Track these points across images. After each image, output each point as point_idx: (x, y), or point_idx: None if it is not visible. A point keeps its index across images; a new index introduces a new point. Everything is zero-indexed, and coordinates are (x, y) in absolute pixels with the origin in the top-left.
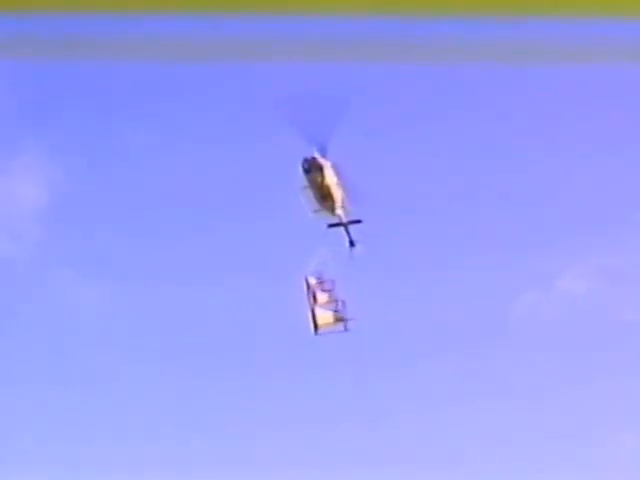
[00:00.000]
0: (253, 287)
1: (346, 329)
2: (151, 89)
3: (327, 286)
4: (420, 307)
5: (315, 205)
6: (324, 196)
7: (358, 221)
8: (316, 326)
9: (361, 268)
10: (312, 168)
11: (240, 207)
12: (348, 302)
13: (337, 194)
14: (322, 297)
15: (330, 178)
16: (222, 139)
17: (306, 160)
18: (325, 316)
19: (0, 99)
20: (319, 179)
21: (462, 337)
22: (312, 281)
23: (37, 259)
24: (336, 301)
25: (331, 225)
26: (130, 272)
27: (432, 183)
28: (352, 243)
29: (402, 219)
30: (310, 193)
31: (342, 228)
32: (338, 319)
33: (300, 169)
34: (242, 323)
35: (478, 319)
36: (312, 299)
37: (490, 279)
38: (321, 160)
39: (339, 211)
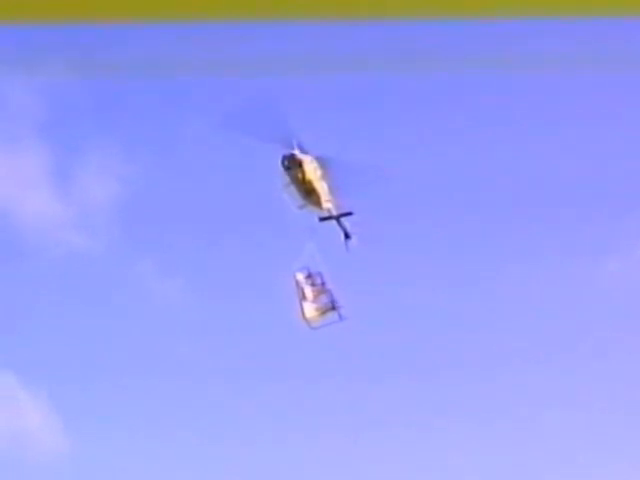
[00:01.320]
0: None
1: (341, 318)
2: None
3: (316, 280)
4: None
5: (300, 201)
6: (307, 191)
7: (349, 213)
8: (308, 321)
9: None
10: (291, 164)
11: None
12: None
13: (321, 188)
14: (311, 291)
15: (311, 173)
16: None
17: (285, 157)
18: (314, 308)
19: (76, 97)
20: (300, 175)
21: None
22: (300, 277)
23: (114, 254)
24: (326, 292)
25: (322, 219)
26: (205, 266)
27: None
28: (347, 235)
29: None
30: (293, 189)
31: (335, 221)
32: (329, 309)
33: (280, 166)
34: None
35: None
36: (302, 295)
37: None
38: (300, 156)
39: (327, 205)
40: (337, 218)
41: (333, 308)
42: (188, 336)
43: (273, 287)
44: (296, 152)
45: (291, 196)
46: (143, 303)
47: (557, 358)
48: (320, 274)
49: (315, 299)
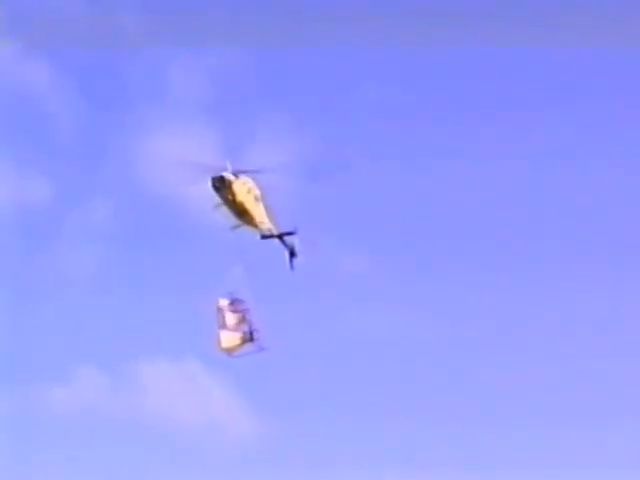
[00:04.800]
0: None
1: (260, 349)
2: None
3: (239, 307)
4: None
5: (234, 221)
6: (240, 212)
7: (291, 233)
8: (225, 350)
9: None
10: (220, 186)
11: None
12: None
13: (256, 209)
14: (232, 319)
15: (242, 194)
16: None
17: (213, 179)
18: (233, 338)
19: (240, 75)
20: (229, 197)
21: None
22: (222, 303)
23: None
24: (247, 321)
25: (264, 237)
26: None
27: None
28: (292, 254)
29: None
30: (226, 210)
31: (278, 240)
32: (248, 340)
33: (210, 187)
34: None
35: None
36: (222, 322)
37: None
38: (230, 177)
39: (264, 225)
40: (279, 237)
41: (252, 339)
42: (374, 308)
43: None
44: (225, 173)
45: (224, 216)
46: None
47: None
48: (243, 301)
49: (236, 327)
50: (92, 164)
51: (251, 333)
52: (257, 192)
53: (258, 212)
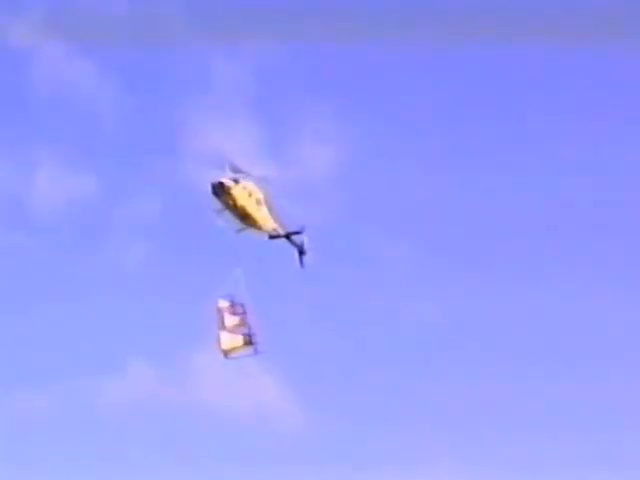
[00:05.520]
0: None
1: (257, 352)
2: None
3: (238, 310)
4: None
5: (237, 224)
6: (242, 216)
7: (298, 232)
8: (224, 352)
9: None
10: (220, 192)
11: None
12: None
13: (258, 212)
14: (231, 320)
15: (243, 199)
16: None
17: (213, 185)
18: (232, 340)
19: (283, 70)
20: (230, 202)
21: None
22: (222, 305)
23: (335, 222)
24: (245, 324)
25: (271, 237)
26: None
27: None
28: (302, 252)
29: None
30: (228, 214)
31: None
32: (247, 343)
33: (211, 193)
34: None
35: None
36: (221, 323)
37: None
38: (229, 183)
39: (269, 226)
40: (287, 236)
41: (250, 342)
42: (414, 294)
43: None
44: (224, 179)
45: (227, 221)
46: (369, 267)
47: None
48: (242, 305)
49: (234, 329)
50: (138, 160)
51: (250, 336)
52: (259, 195)
53: (261, 215)
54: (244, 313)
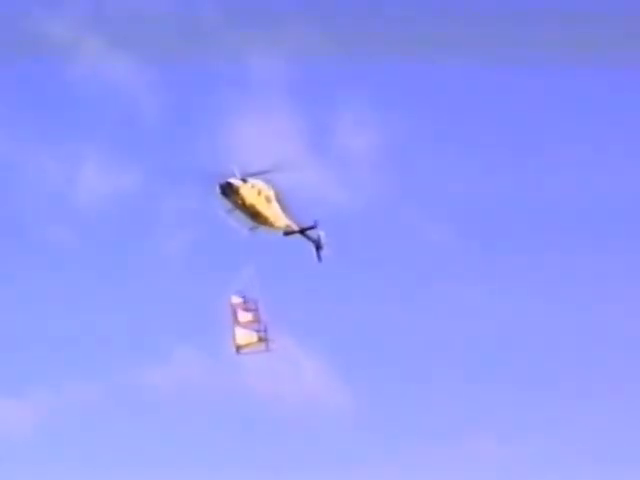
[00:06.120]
0: None
1: (268, 349)
2: None
3: (251, 306)
4: None
5: (249, 223)
6: (253, 214)
7: (312, 227)
8: (237, 347)
9: None
10: (228, 192)
11: None
12: None
13: (268, 209)
14: (245, 317)
15: (252, 197)
16: None
17: (221, 186)
18: (247, 336)
19: (324, 61)
20: (239, 201)
21: None
22: (236, 300)
23: (377, 205)
24: (259, 321)
25: (286, 233)
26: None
27: None
28: (318, 246)
29: None
30: (239, 214)
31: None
32: (261, 339)
33: (219, 194)
34: None
35: None
36: (235, 319)
37: None
38: (237, 183)
39: (282, 223)
40: (301, 232)
41: (263, 339)
42: (460, 278)
43: None
44: (232, 179)
45: (238, 220)
46: (414, 251)
47: None
48: (255, 301)
49: (248, 325)
50: (180, 150)
51: (263, 332)
52: (269, 193)
53: (272, 212)
54: (257, 310)
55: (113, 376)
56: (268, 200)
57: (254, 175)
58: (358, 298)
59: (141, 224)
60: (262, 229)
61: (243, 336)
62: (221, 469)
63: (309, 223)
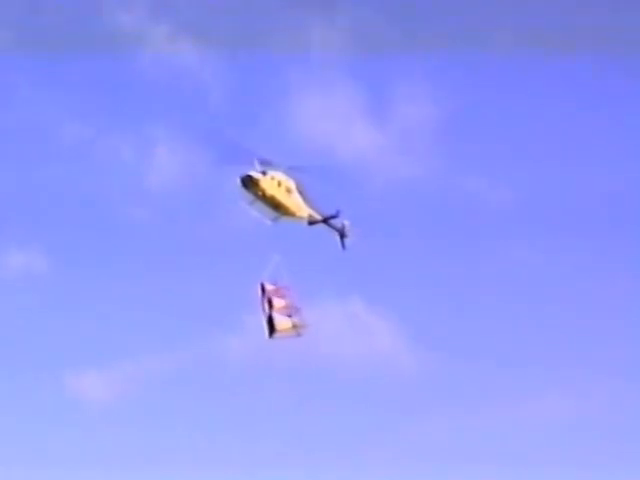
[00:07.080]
0: None
1: (299, 335)
2: None
3: (283, 292)
4: None
5: (271, 214)
6: (274, 205)
7: (335, 216)
8: (273, 331)
9: None
10: (248, 184)
11: None
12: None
13: (289, 200)
14: (279, 303)
15: (272, 189)
16: None
17: (242, 179)
18: (283, 322)
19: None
20: (259, 193)
21: None
22: (269, 287)
23: (439, 176)
24: (292, 307)
25: (310, 223)
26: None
27: None
28: (343, 235)
29: None
30: (261, 205)
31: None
32: (295, 325)
33: (240, 186)
34: None
35: None
36: (267, 304)
37: None
38: (257, 175)
39: (304, 213)
40: (325, 221)
41: (297, 325)
42: (516, 243)
43: None
44: (252, 172)
45: (260, 211)
46: (475, 217)
47: None
48: (287, 287)
49: (281, 311)
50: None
51: (298, 320)
52: (290, 184)
53: (292, 202)
54: (288, 296)
55: (191, 348)
56: (288, 191)
57: (275, 168)
58: (422, 259)
59: (210, 203)
60: (285, 219)
61: (280, 322)
62: (300, 429)
63: (331, 212)
